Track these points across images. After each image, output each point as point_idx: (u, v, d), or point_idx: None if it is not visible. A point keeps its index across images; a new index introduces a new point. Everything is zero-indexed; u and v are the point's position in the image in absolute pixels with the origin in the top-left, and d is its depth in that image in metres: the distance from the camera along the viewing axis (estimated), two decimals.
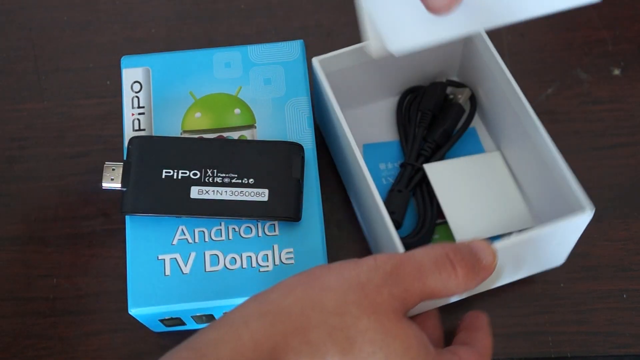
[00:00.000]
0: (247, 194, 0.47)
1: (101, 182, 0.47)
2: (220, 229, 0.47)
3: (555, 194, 0.50)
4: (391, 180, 0.56)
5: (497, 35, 0.61)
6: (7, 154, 0.59)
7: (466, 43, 0.55)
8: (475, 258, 0.33)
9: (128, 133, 0.50)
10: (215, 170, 0.47)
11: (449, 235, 0.54)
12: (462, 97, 0.57)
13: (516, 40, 0.61)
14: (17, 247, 0.56)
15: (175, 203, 0.47)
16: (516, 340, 0.53)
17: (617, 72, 0.61)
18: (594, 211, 0.46)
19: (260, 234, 0.47)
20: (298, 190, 0.47)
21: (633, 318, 0.53)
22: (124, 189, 0.47)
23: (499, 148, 0.57)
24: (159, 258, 0.47)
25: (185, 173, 0.47)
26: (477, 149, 0.57)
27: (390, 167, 0.56)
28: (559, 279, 0.54)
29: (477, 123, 0.58)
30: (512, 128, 0.53)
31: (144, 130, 0.50)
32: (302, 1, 0.66)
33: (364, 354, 0.30)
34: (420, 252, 0.33)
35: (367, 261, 0.34)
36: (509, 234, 0.53)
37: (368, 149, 0.57)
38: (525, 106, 0.50)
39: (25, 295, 0.54)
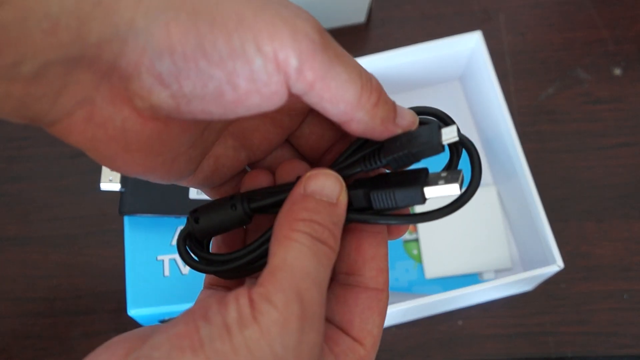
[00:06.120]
0: None
1: (100, 183, 0.47)
2: None
3: (533, 239, 0.50)
4: None
5: (497, 35, 0.61)
6: (7, 154, 0.59)
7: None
8: None
9: None
10: None
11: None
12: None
13: (516, 40, 0.61)
14: (17, 247, 0.56)
15: (174, 203, 0.46)
16: (517, 340, 0.53)
17: (617, 72, 0.60)
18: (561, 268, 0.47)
19: None
20: None
21: (634, 318, 0.53)
22: (123, 190, 0.47)
23: (495, 183, 0.57)
24: (158, 259, 0.47)
25: None
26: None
27: None
28: (560, 280, 0.54)
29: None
30: (506, 164, 0.53)
31: None
32: None
33: None
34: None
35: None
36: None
37: None
38: (515, 146, 0.50)
39: (25, 295, 0.54)
